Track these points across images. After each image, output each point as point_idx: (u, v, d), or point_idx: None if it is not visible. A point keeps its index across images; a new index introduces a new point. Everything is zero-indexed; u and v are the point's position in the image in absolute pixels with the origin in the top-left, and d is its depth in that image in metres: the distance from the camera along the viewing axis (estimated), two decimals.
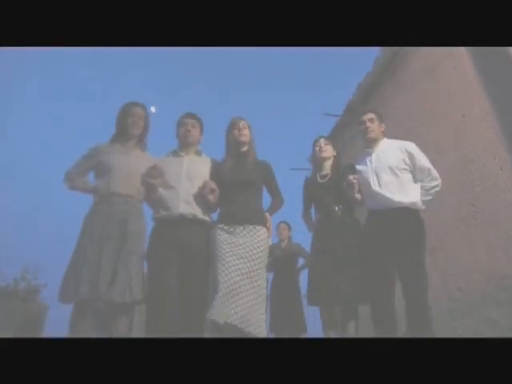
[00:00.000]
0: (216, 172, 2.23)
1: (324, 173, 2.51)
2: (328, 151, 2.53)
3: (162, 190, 2.13)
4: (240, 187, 2.14)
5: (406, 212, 2.16)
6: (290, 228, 4.21)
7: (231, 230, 2.05)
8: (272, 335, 3.68)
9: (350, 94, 4.92)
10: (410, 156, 2.27)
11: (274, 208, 2.36)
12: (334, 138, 5.53)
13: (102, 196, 2.05)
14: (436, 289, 3.05)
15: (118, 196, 2.03)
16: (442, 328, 2.87)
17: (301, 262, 4.12)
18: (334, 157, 2.55)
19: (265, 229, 2.13)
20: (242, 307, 1.84)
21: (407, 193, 2.20)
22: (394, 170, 2.24)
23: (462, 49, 3.03)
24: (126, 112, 2.22)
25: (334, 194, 2.39)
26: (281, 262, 3.93)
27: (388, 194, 2.19)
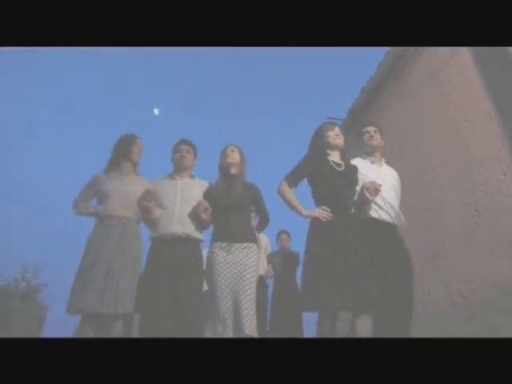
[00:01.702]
0: (209, 194, 2.43)
1: (337, 161, 2.25)
2: (342, 140, 2.32)
3: (158, 212, 2.32)
4: (231, 210, 2.34)
5: (398, 230, 2.37)
6: (289, 238, 4.38)
7: (227, 248, 2.25)
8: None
9: (352, 99, 4.93)
10: (398, 183, 2.52)
11: (262, 226, 2.62)
12: None
13: (101, 218, 2.27)
14: (437, 295, 3.02)
15: (116, 218, 2.24)
16: (443, 334, 2.84)
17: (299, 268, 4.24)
18: (343, 149, 2.35)
19: (255, 245, 2.34)
20: (239, 318, 2.06)
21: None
22: (395, 190, 2.45)
23: (465, 54, 3.03)
24: (130, 141, 2.45)
25: (350, 188, 2.19)
26: (281, 268, 4.08)
27: (398, 210, 2.36)
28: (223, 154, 2.51)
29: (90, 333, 2.06)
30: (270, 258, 4.06)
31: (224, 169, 2.49)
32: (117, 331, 2.10)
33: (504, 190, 2.54)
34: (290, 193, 2.23)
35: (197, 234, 2.35)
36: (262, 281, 3.83)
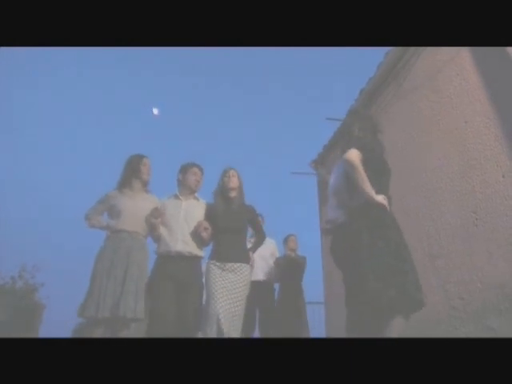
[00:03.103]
0: (209, 216, 2.66)
1: None
2: None
3: (163, 229, 2.58)
4: (229, 231, 2.59)
5: None
6: (297, 241, 4.37)
7: (222, 266, 2.49)
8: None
9: (352, 99, 4.92)
10: None
11: (258, 244, 2.89)
12: (335, 142, 5.54)
13: (112, 232, 2.49)
14: (436, 296, 3.02)
15: (126, 232, 2.47)
16: (442, 335, 2.84)
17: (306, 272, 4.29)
18: None
19: (248, 266, 2.60)
20: (228, 324, 2.31)
21: None
22: None
23: (465, 55, 3.03)
24: (139, 161, 2.66)
25: None
26: (288, 272, 4.08)
27: None
28: (224, 177, 2.70)
29: (101, 335, 2.23)
30: (277, 263, 4.05)
31: (223, 192, 2.69)
32: (124, 335, 2.30)
33: (503, 192, 2.54)
34: (362, 168, 1.90)
35: (198, 252, 2.61)
36: (268, 285, 3.87)
